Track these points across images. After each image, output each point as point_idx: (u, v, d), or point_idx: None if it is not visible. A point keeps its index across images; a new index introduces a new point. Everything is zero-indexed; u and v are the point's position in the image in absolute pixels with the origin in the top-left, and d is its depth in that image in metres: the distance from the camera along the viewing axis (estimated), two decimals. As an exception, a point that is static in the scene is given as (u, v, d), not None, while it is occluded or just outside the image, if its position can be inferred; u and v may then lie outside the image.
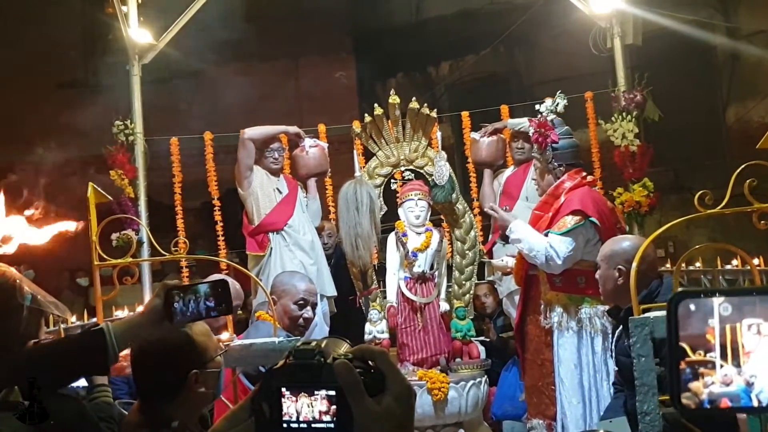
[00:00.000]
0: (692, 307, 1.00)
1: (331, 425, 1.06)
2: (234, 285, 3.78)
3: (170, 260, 4.07)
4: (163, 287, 2.06)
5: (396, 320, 4.94)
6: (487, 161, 6.11)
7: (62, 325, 4.27)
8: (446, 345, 4.95)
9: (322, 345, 1.13)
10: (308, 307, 3.82)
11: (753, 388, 0.98)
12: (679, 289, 0.95)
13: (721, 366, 0.99)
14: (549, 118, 4.56)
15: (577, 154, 4.63)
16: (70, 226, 2.59)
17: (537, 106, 4.76)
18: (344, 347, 1.15)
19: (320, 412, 1.10)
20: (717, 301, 0.99)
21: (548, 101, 4.70)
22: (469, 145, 6.44)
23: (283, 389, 1.11)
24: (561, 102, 4.71)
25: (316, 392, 1.10)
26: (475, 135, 6.15)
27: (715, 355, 0.99)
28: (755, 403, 0.98)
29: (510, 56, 11.74)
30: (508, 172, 6.09)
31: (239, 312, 5.45)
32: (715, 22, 10.11)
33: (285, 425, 1.11)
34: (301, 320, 3.73)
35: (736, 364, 0.98)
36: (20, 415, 1.77)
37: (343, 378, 1.06)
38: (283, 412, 1.11)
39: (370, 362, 1.10)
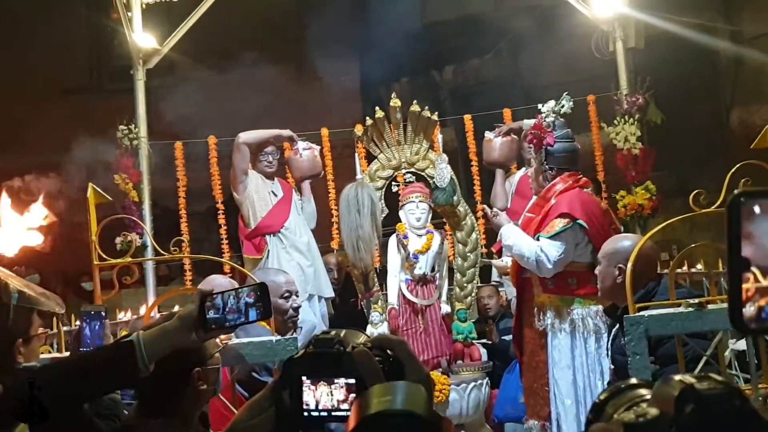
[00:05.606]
0: (757, 209, 0.83)
1: (349, 413, 1.06)
2: (234, 286, 3.80)
3: (175, 263, 4.08)
4: (199, 293, 1.97)
5: (397, 322, 4.96)
6: (500, 161, 6.11)
7: (64, 328, 4.29)
8: (447, 347, 4.97)
9: (342, 335, 1.15)
10: (293, 296, 3.84)
11: None
12: (738, 189, 0.76)
13: None
14: (549, 119, 4.49)
15: (573, 159, 4.51)
16: (38, 239, 2.53)
17: (540, 106, 4.65)
18: (362, 338, 1.17)
19: (338, 401, 1.13)
20: None
21: (552, 102, 4.59)
22: (482, 145, 6.38)
23: (304, 378, 1.14)
24: (566, 104, 4.57)
25: (335, 381, 1.12)
26: (490, 134, 6.11)
27: None
28: None
29: (513, 60, 11.74)
30: (521, 172, 6.08)
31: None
32: (719, 25, 10.11)
33: (305, 413, 1.14)
34: (290, 311, 3.74)
35: None
36: (21, 416, 1.77)
37: (363, 366, 1.08)
38: (303, 401, 1.13)
39: (388, 351, 1.12)
